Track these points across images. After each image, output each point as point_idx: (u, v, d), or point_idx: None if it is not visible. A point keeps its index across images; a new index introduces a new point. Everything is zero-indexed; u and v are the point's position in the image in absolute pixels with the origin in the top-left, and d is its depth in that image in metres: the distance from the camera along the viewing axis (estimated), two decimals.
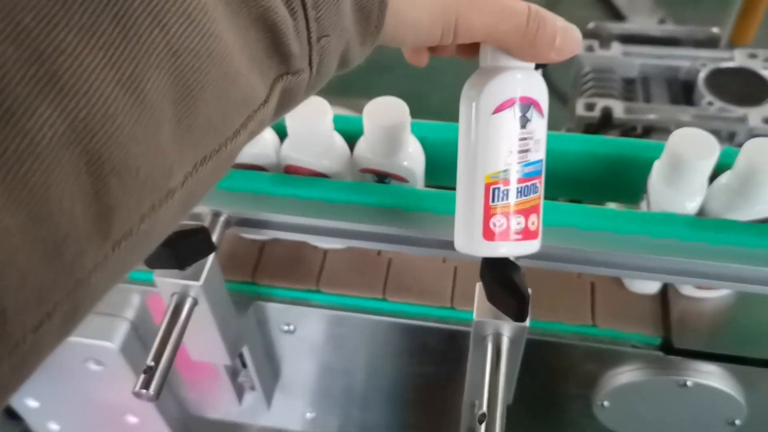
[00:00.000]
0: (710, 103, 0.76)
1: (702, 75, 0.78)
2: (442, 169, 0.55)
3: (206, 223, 0.50)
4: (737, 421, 0.58)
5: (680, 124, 0.73)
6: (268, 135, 0.53)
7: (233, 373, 0.65)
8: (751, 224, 0.47)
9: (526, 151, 0.36)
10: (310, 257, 0.61)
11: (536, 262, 0.49)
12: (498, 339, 0.45)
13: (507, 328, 0.45)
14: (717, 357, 0.55)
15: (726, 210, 0.47)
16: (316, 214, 0.49)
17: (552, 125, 0.38)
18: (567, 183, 0.54)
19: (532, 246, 0.38)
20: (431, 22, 0.30)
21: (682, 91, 0.81)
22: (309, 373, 0.68)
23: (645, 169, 0.50)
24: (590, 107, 0.77)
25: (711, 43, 0.88)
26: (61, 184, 0.18)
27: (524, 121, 0.35)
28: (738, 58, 0.80)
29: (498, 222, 0.36)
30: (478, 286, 0.45)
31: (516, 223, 0.37)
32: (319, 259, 0.61)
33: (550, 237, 0.46)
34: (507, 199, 0.36)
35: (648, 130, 0.76)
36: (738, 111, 0.75)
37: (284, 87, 0.26)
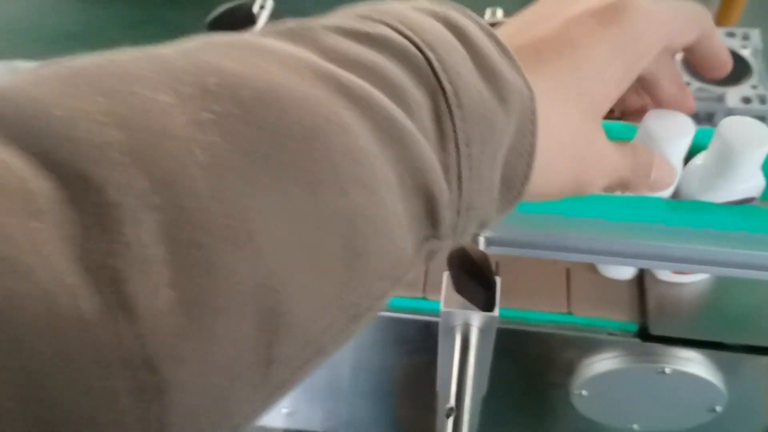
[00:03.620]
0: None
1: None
2: None
3: None
4: (718, 408, 0.57)
5: None
6: None
7: None
8: (730, 206, 0.45)
9: None
10: None
11: (510, 250, 0.47)
12: (467, 330, 0.43)
13: (476, 318, 0.43)
14: (695, 343, 0.53)
15: (702, 191, 0.46)
16: None
17: None
18: None
19: None
20: (560, 193, 0.32)
21: None
22: None
23: None
24: None
25: None
26: (242, 337, 0.19)
27: None
28: None
29: None
30: (446, 276, 0.43)
31: None
32: None
33: (526, 223, 0.45)
34: None
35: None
36: (716, 91, 0.73)
37: (428, 250, 0.26)
